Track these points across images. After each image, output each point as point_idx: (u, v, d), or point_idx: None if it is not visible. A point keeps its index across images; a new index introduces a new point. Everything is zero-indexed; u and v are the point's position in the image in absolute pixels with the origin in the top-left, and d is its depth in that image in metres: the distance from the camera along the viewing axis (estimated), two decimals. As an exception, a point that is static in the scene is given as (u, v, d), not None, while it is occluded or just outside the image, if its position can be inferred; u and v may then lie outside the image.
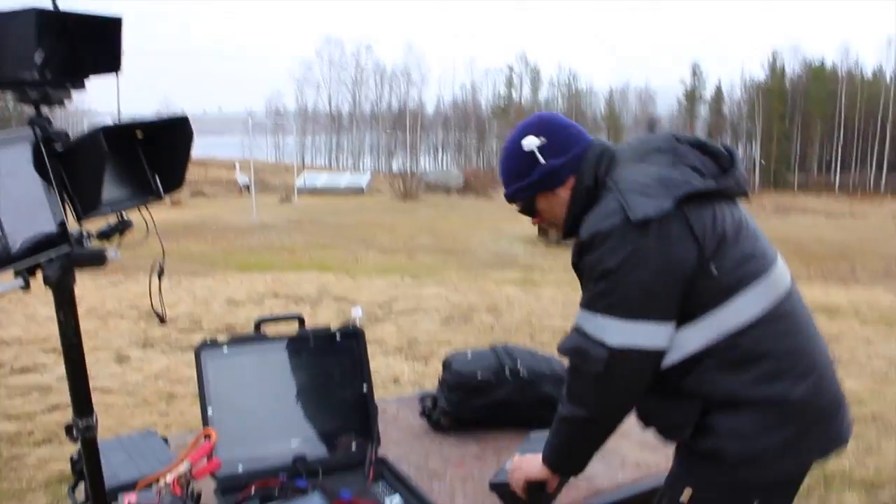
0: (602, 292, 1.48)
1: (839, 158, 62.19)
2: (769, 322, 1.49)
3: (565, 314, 7.33)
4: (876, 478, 3.62)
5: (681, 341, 1.51)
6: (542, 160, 1.61)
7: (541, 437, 1.97)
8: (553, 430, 1.74)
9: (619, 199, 1.46)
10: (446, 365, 2.76)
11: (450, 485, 2.23)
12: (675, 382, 1.54)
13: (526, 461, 1.81)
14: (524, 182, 1.65)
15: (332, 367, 2.28)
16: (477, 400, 2.62)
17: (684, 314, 1.49)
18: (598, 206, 1.52)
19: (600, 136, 2.00)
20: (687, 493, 1.53)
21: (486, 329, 6.70)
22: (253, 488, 1.96)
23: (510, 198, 1.72)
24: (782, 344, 1.50)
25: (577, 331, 1.55)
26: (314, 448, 2.16)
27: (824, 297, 8.45)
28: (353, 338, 2.31)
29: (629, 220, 1.43)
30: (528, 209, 1.71)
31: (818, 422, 1.50)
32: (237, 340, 2.18)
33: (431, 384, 5.34)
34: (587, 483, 2.17)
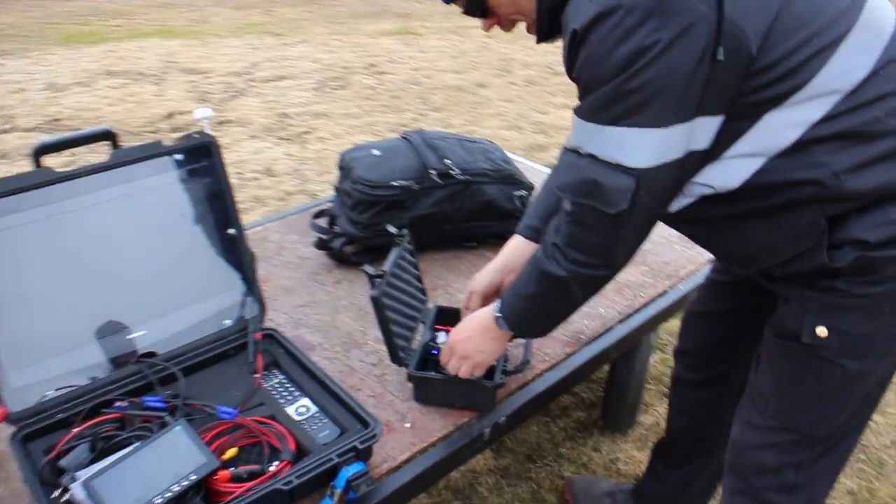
0: (616, 93, 0.99)
1: None
2: (888, 76, 1.03)
3: (457, 68, 6.49)
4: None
5: (770, 133, 1.03)
6: None
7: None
8: (531, 293, 1.25)
9: None
10: (346, 169, 1.99)
11: (377, 356, 1.57)
12: (783, 194, 1.07)
13: (467, 341, 1.37)
14: None
15: (174, 206, 1.48)
16: (393, 217, 1.91)
17: (761, 99, 1.01)
18: None
19: None
20: (822, 332, 1.12)
21: (369, 94, 5.80)
22: (76, 429, 1.23)
23: None
24: None
25: (579, 154, 1.07)
26: (165, 338, 1.43)
27: None
28: (202, 154, 1.49)
29: None
30: (477, 4, 1.22)
31: None
32: (6, 188, 1.32)
33: (314, 173, 4.53)
34: (562, 328, 1.59)
